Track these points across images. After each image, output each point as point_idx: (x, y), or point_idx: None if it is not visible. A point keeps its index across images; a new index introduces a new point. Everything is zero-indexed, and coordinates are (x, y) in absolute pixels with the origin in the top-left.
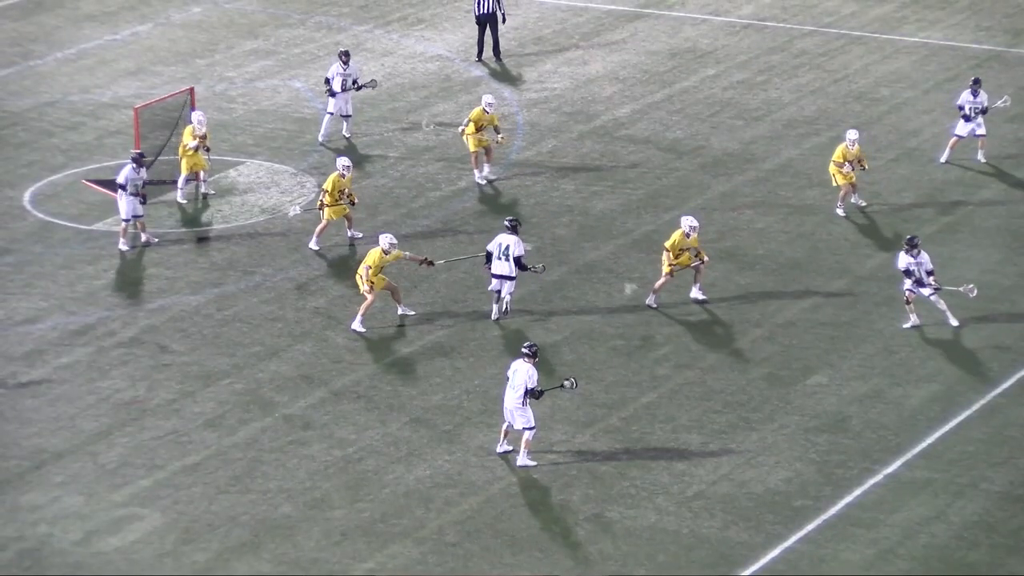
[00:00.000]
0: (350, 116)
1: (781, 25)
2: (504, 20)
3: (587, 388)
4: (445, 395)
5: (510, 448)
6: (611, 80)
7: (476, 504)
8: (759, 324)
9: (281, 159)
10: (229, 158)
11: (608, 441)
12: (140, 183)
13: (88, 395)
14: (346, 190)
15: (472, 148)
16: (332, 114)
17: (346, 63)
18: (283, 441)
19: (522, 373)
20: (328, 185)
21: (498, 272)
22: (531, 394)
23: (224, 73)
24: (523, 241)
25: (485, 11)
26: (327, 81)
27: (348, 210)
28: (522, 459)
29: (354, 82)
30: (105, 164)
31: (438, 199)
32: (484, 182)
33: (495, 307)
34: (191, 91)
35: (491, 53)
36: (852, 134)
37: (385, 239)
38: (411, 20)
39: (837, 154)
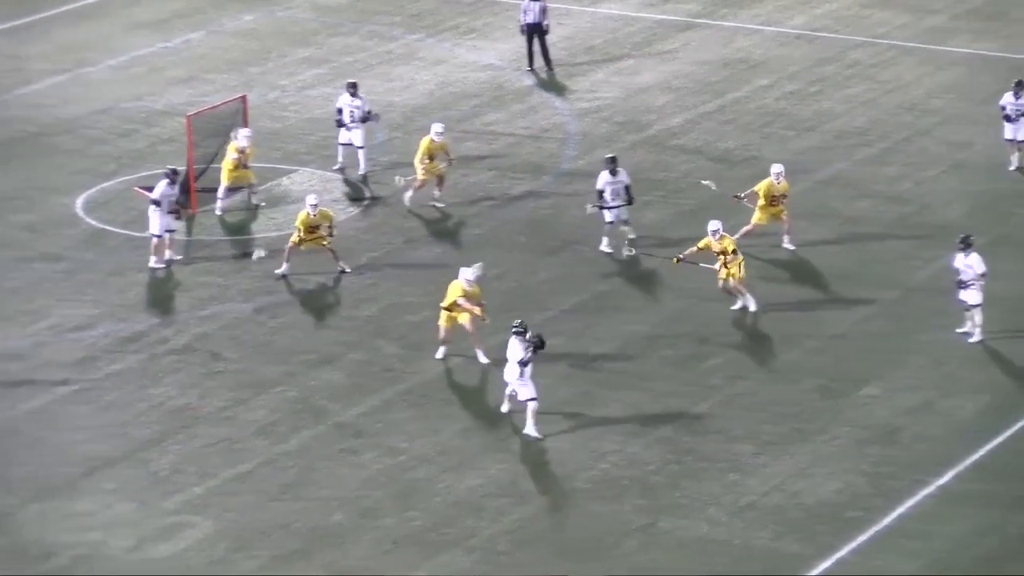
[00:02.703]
0: (363, 148)
1: (833, 36)
2: (547, 31)
3: (638, 398)
4: (497, 404)
5: (511, 408)
6: (663, 90)
7: (527, 513)
8: (810, 335)
9: (333, 167)
10: (281, 166)
11: (659, 451)
12: (175, 198)
13: (139, 402)
14: (323, 225)
15: (419, 176)
16: (345, 144)
17: (354, 94)
18: (334, 449)
19: (514, 348)
20: (298, 222)
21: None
22: (523, 363)
23: (276, 81)
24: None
25: (531, 21)
26: (339, 111)
27: (327, 242)
28: (528, 429)
29: (367, 113)
30: (157, 171)
31: (489, 208)
32: (442, 204)
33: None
34: (244, 99)
35: (542, 62)
36: (777, 168)
37: (466, 272)
38: (463, 29)
39: (762, 188)
